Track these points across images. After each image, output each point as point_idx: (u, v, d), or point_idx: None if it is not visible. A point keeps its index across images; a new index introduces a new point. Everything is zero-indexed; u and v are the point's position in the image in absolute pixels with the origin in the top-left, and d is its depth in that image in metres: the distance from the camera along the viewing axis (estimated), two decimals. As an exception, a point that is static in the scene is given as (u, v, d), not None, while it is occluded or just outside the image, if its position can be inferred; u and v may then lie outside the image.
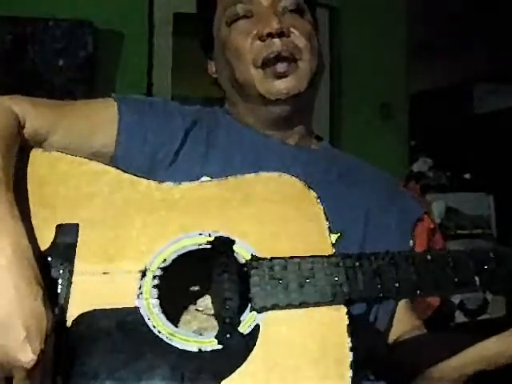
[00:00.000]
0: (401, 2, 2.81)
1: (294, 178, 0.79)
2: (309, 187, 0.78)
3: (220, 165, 0.82)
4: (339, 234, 0.90)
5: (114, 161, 0.90)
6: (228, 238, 0.75)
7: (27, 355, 0.62)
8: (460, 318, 2.62)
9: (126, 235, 0.74)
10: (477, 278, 0.75)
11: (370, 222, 0.97)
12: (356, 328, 0.71)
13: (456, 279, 0.75)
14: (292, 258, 0.73)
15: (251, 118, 0.99)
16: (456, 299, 2.59)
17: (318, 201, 0.77)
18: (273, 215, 0.76)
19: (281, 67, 0.94)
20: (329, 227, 0.76)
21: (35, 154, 0.81)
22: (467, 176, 3.21)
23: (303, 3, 0.99)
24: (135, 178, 0.79)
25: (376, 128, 2.69)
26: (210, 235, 0.75)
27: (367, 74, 2.67)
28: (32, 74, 2.27)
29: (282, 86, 0.94)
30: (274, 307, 0.71)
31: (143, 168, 0.87)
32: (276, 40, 0.94)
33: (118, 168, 0.82)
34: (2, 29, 2.25)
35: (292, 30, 0.95)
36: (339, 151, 1.10)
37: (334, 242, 0.76)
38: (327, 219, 0.76)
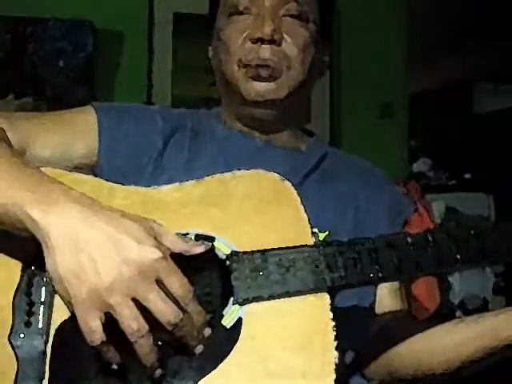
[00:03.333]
0: (401, 3, 2.81)
1: (270, 172, 0.79)
2: (285, 180, 0.78)
3: (204, 171, 0.82)
4: (327, 233, 0.90)
5: (98, 171, 0.90)
6: (207, 236, 0.75)
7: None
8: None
9: None
10: (458, 256, 0.76)
11: (359, 219, 0.97)
12: (340, 315, 0.71)
13: (437, 259, 0.75)
14: (272, 249, 0.73)
15: (236, 115, 0.99)
16: (456, 299, 2.59)
17: (295, 192, 0.78)
18: (251, 210, 0.77)
19: (263, 71, 0.93)
20: (308, 218, 0.76)
21: None
22: (467, 176, 3.21)
23: (310, 11, 0.96)
24: (114, 185, 0.80)
25: (376, 128, 2.69)
26: (189, 234, 0.75)
27: (367, 74, 2.67)
28: (32, 73, 2.27)
29: (260, 88, 0.93)
30: (257, 299, 0.71)
31: (128, 176, 0.87)
32: (265, 47, 0.92)
33: (97, 177, 0.83)
34: (1, 29, 2.25)
35: (286, 37, 0.93)
36: (329, 147, 1.09)
37: (321, 240, 0.76)
38: (305, 210, 0.76)
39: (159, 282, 0.66)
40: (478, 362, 0.85)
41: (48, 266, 0.66)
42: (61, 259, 0.64)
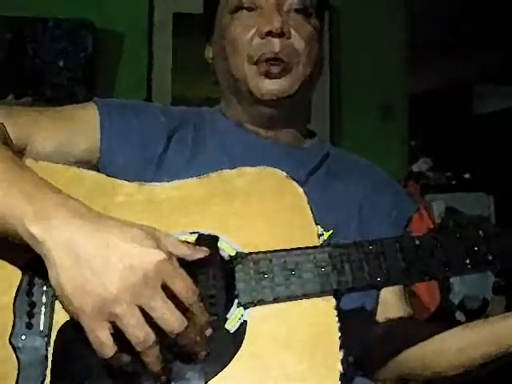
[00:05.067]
0: (401, 2, 2.81)
1: (275, 170, 0.78)
2: (291, 178, 0.77)
3: (208, 168, 0.81)
4: (331, 232, 0.89)
5: (100, 167, 0.89)
6: (211, 235, 0.74)
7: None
8: (460, 317, 2.61)
9: None
10: (468, 260, 0.74)
11: (362, 217, 0.96)
12: (345, 318, 0.71)
13: (446, 263, 0.74)
14: (277, 251, 0.72)
15: (242, 114, 0.98)
16: (456, 299, 2.59)
17: (301, 191, 0.76)
18: (256, 209, 0.75)
19: (274, 67, 0.92)
20: (314, 217, 0.75)
21: None
22: (467, 176, 3.20)
23: (311, 5, 0.96)
24: (117, 181, 0.79)
25: (376, 128, 2.69)
26: (193, 233, 0.74)
27: (367, 75, 2.66)
28: (32, 73, 2.27)
29: (272, 86, 0.92)
30: (261, 302, 0.70)
31: (129, 173, 0.86)
32: (275, 40, 0.92)
33: (99, 172, 0.82)
34: (1, 29, 2.25)
35: (293, 32, 0.93)
36: (331, 146, 1.08)
37: (326, 239, 0.75)
38: (311, 210, 0.75)
39: (164, 286, 0.65)
40: (486, 365, 0.85)
41: (51, 280, 0.65)
42: (64, 274, 0.64)
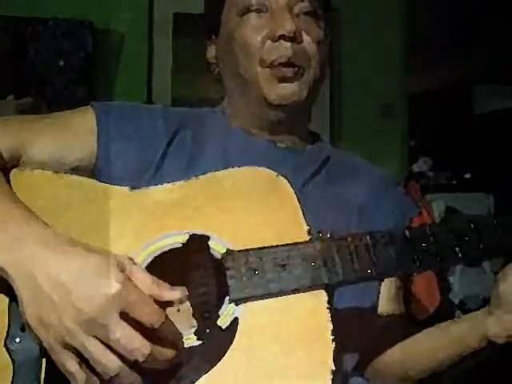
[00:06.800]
0: (401, 2, 2.81)
1: (265, 169, 0.78)
2: (280, 176, 0.77)
3: (207, 171, 0.80)
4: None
5: (96, 173, 0.88)
6: (202, 235, 0.74)
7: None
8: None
9: (103, 243, 0.74)
10: (458, 250, 0.75)
11: (362, 221, 0.96)
12: (341, 315, 0.71)
13: (437, 253, 0.74)
14: (267, 247, 0.72)
15: (247, 116, 0.97)
16: (456, 299, 2.59)
17: (291, 188, 0.76)
18: (246, 208, 0.76)
19: (288, 71, 0.91)
20: (303, 213, 0.75)
21: (12, 174, 0.80)
22: (467, 176, 3.21)
23: (319, 8, 0.94)
24: (109, 186, 0.79)
25: (376, 128, 2.69)
26: (184, 234, 0.74)
27: (367, 74, 2.67)
28: (32, 73, 2.27)
29: (285, 90, 0.91)
30: (252, 298, 0.70)
31: (127, 178, 0.85)
32: (287, 44, 0.90)
33: (95, 178, 0.82)
34: (1, 29, 2.25)
35: (305, 35, 0.92)
36: (333, 149, 1.07)
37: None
38: (301, 205, 0.75)
39: (125, 314, 0.65)
40: (453, 366, 0.86)
41: (20, 311, 0.67)
42: (27, 306, 0.66)
